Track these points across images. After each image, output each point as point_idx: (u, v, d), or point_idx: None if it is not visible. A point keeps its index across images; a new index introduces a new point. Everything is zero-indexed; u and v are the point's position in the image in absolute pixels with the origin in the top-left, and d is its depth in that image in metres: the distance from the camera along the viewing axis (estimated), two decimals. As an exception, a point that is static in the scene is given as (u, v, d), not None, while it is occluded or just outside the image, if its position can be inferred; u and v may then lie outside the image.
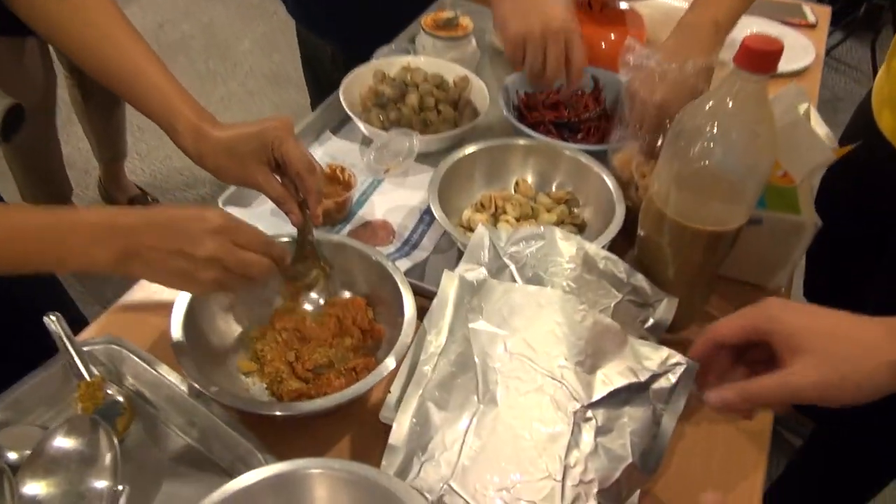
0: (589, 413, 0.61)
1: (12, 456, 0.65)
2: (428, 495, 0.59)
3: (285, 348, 0.75)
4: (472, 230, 0.91)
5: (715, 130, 0.66)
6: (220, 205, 0.93)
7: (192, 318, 0.72)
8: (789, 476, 1.30)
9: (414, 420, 0.63)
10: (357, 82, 1.12)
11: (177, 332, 0.70)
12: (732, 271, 0.89)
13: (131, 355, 0.73)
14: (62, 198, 1.99)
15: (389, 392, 0.71)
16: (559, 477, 0.58)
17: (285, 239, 0.79)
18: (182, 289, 0.68)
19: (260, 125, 0.73)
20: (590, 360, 0.63)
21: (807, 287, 1.41)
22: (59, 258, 0.60)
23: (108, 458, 0.63)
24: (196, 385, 0.66)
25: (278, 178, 0.76)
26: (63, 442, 0.64)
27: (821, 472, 1.24)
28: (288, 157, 0.73)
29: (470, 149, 0.95)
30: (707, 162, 0.67)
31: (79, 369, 0.72)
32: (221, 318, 0.78)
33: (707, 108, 0.67)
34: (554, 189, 0.98)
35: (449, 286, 0.68)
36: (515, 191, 0.97)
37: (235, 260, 0.63)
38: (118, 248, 0.59)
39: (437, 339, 0.66)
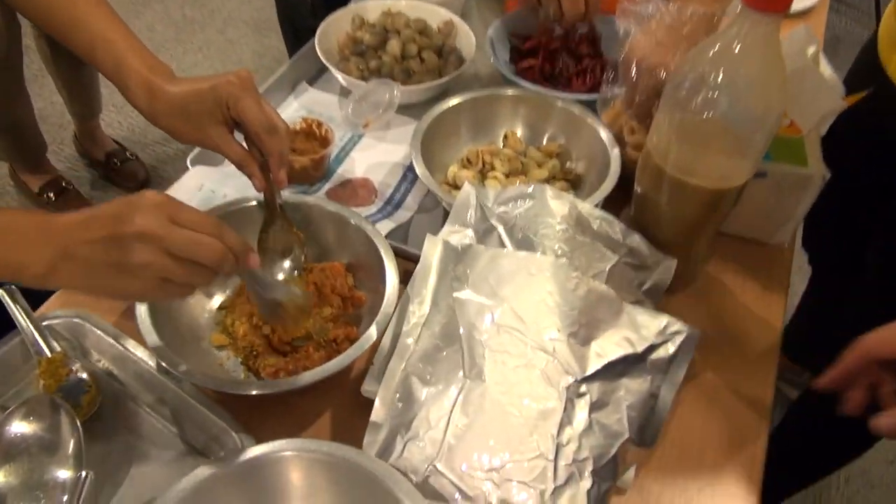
0: (583, 388, 0.57)
1: (-31, 441, 0.61)
2: (412, 476, 0.56)
3: (259, 321, 0.71)
4: (458, 188, 0.85)
5: (720, 78, 0.60)
6: (189, 163, 0.87)
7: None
8: (786, 426, 1.29)
9: (397, 395, 0.59)
10: (334, 29, 1.04)
11: (142, 306, 0.65)
12: (733, 227, 0.84)
13: (95, 329, 0.69)
14: (37, 155, 1.91)
15: (371, 364, 0.67)
16: (551, 456, 0.55)
17: (253, 203, 0.74)
18: (121, 290, 0.53)
19: (214, 80, 0.65)
20: (583, 330, 0.59)
21: (805, 237, 1.36)
22: None
23: (70, 442, 0.59)
24: (164, 364, 0.62)
25: (241, 139, 0.69)
26: (21, 426, 0.60)
27: (818, 421, 1.22)
28: (245, 116, 0.65)
29: (455, 100, 0.89)
30: (711, 113, 0.62)
31: (38, 345, 0.67)
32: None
33: (711, 53, 0.61)
34: (545, 142, 0.92)
35: (432, 252, 0.64)
36: (504, 144, 0.92)
37: (173, 236, 0.50)
38: (53, 249, 0.50)
39: (419, 309, 0.62)
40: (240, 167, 0.69)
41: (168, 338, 0.65)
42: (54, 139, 2.16)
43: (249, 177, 0.69)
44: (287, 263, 0.75)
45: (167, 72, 0.68)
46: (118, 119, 2.27)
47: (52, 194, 1.92)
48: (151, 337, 0.63)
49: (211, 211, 0.73)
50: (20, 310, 0.67)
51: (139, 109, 0.67)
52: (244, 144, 0.69)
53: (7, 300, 0.67)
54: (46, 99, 2.29)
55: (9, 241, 0.51)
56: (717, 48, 0.61)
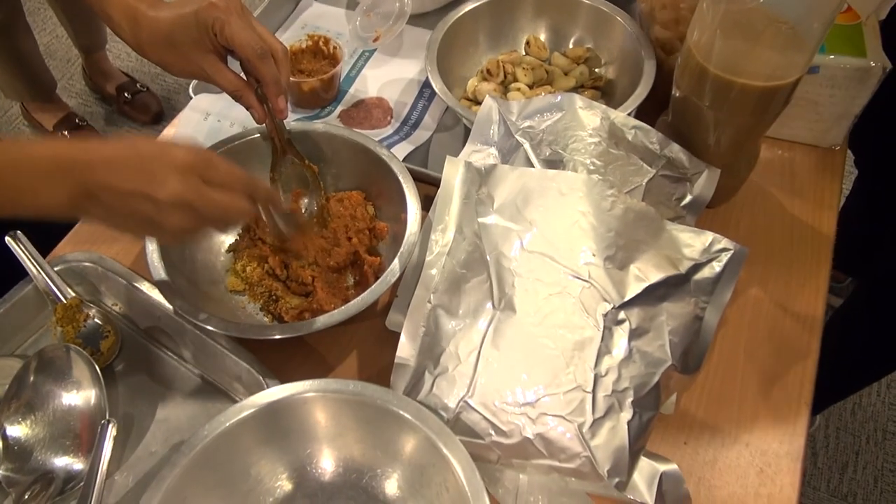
0: (621, 314, 0.53)
1: (-9, 391, 0.60)
2: (443, 413, 0.53)
3: (274, 266, 0.67)
4: (478, 103, 0.80)
5: (773, -42, 0.53)
6: (191, 92, 0.82)
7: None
8: (828, 334, 1.25)
9: (422, 329, 0.56)
10: (336, -67, 0.96)
11: (154, 255, 0.62)
12: (780, 129, 0.78)
13: (110, 273, 0.66)
14: (46, 90, 1.87)
15: (396, 296, 0.64)
16: (589, 388, 0.51)
17: (257, 135, 0.69)
18: (147, 236, 0.56)
19: (196, 3, 0.59)
20: (621, 253, 0.54)
21: (852, 136, 1.27)
22: (8, 200, 0.49)
23: (92, 390, 0.58)
24: (185, 314, 0.59)
25: (238, 66, 0.64)
26: (42, 375, 0.59)
27: (862, 328, 1.18)
28: (233, 42, 0.59)
29: (471, 4, 0.81)
30: (762, 1, 0.54)
31: (53, 291, 0.65)
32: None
33: (762, -71, 0.53)
34: (571, 46, 0.84)
35: (453, 175, 0.59)
36: (526, 52, 0.84)
37: (205, 202, 0.50)
38: (73, 187, 0.48)
39: (442, 238, 0.58)
40: (236, 98, 0.63)
41: (185, 283, 0.62)
42: (63, 74, 2.11)
43: (247, 108, 0.64)
44: (304, 200, 0.70)
45: None
46: (126, 50, 2.20)
47: (65, 132, 1.88)
48: (167, 285, 0.60)
49: (216, 146, 0.68)
50: (29, 256, 0.64)
51: (125, 41, 0.61)
52: (241, 73, 0.63)
53: (14, 246, 0.64)
54: (51, 33, 2.22)
55: (27, 178, 0.48)
56: (769, -78, 0.53)
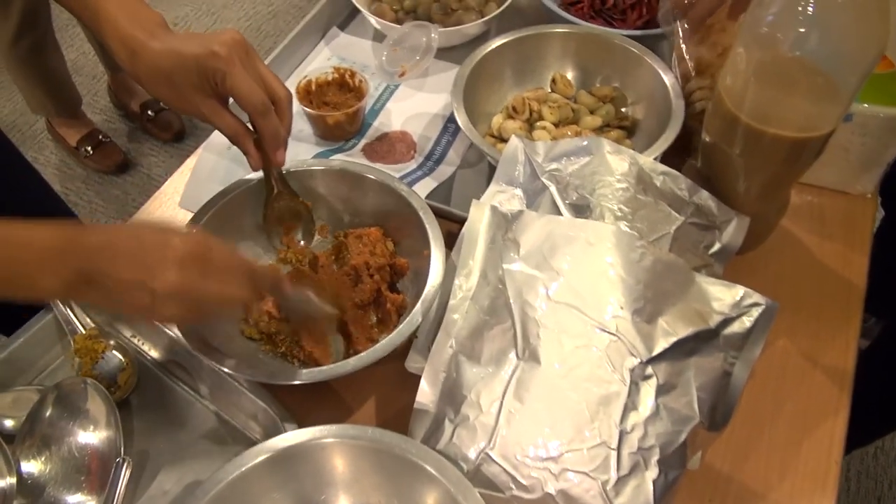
0: (649, 370, 0.52)
1: (8, 423, 0.60)
2: (462, 464, 0.52)
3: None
4: (503, 140, 0.79)
5: (810, 10, 0.52)
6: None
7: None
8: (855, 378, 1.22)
9: (443, 375, 0.55)
10: (365, -35, 0.96)
11: None
12: (811, 176, 0.76)
13: (128, 304, 0.66)
14: (72, 107, 1.89)
15: (416, 337, 0.63)
16: (614, 444, 0.50)
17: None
18: (137, 318, 0.57)
19: (198, 48, 0.56)
20: (650, 306, 0.53)
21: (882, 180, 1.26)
22: (1, 282, 0.48)
23: (107, 425, 0.57)
24: (212, 362, 0.58)
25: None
26: (58, 409, 0.58)
27: (891, 372, 1.15)
28: (234, 94, 0.58)
29: (498, 41, 0.81)
30: (798, 51, 0.53)
31: (72, 322, 0.65)
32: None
33: (800, -20, 0.52)
34: (598, 85, 0.84)
35: (479, 219, 0.58)
36: (552, 89, 0.84)
37: (201, 293, 0.50)
38: (70, 274, 0.48)
39: (466, 282, 0.57)
40: (234, 142, 0.62)
41: (206, 332, 0.61)
42: (88, 91, 2.13)
43: (245, 154, 0.62)
44: (298, 235, 0.71)
45: (154, 22, 0.59)
46: (150, 67, 2.23)
47: (89, 147, 1.91)
48: (191, 335, 0.60)
49: (231, 187, 0.68)
50: (49, 287, 0.64)
51: (123, 68, 0.59)
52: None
53: (35, 277, 0.64)
54: (78, 49, 2.25)
55: (22, 262, 0.47)
56: (807, -26, 0.52)
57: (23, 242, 0.47)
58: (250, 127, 0.62)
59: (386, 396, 0.65)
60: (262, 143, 0.62)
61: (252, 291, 0.53)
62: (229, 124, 0.61)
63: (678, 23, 0.76)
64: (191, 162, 0.81)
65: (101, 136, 1.94)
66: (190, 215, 0.66)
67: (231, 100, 0.61)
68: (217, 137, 0.81)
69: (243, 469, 0.51)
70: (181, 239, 0.50)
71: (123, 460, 0.55)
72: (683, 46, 0.76)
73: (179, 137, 2.02)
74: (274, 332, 0.65)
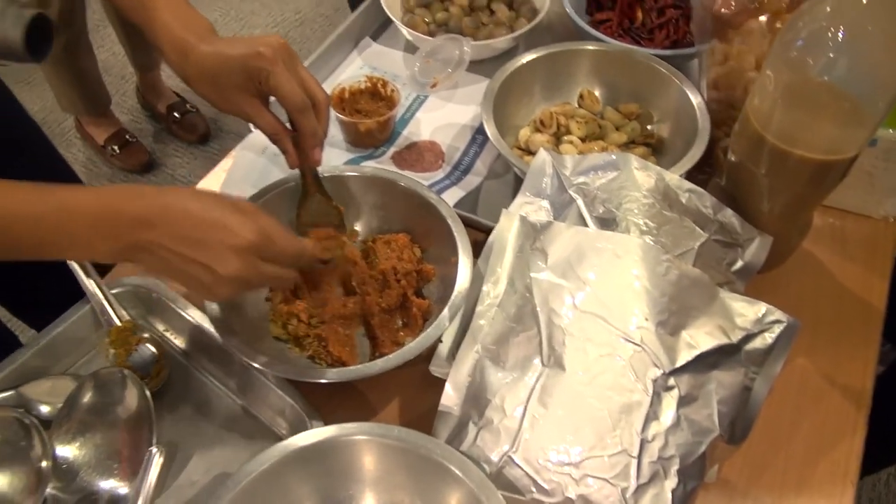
0: (671, 381, 0.53)
1: (44, 409, 0.62)
2: (485, 466, 0.53)
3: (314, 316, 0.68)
4: (530, 152, 0.81)
5: (840, 37, 0.53)
6: (251, 126, 0.84)
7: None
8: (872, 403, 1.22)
9: (468, 379, 0.56)
10: (398, -22, 0.99)
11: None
12: (833, 198, 0.77)
13: (163, 299, 0.68)
14: (101, 106, 1.93)
15: (440, 341, 0.64)
16: (635, 452, 0.51)
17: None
18: (190, 290, 0.56)
19: (246, 49, 0.60)
20: (673, 318, 0.54)
21: None
22: (55, 247, 0.51)
23: (141, 415, 0.59)
24: (244, 357, 0.60)
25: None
26: (94, 397, 0.60)
27: None
28: (277, 93, 0.61)
29: (529, 56, 0.83)
30: (827, 76, 0.55)
31: (108, 314, 0.67)
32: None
33: (830, 8, 0.54)
34: (625, 102, 0.85)
35: (507, 228, 0.60)
36: (580, 104, 0.85)
37: (258, 277, 0.54)
38: (122, 241, 0.50)
39: (494, 289, 0.58)
40: (273, 140, 0.65)
41: (236, 318, 0.63)
42: (117, 91, 2.18)
43: (283, 152, 0.65)
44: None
45: (204, 28, 0.62)
46: (178, 70, 2.27)
47: (116, 147, 1.94)
48: (223, 328, 0.62)
49: (268, 188, 0.71)
50: (90, 277, 0.66)
51: (173, 70, 0.63)
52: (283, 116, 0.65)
53: (77, 269, 0.66)
54: (108, 50, 2.30)
55: (74, 228, 0.49)
56: (837, 2, 0.53)
57: (75, 208, 0.49)
58: (289, 127, 0.65)
59: (409, 399, 0.66)
60: (300, 140, 0.64)
61: (294, 281, 0.58)
62: (269, 122, 0.64)
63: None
64: (225, 163, 0.83)
65: (127, 136, 1.97)
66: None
67: (272, 100, 0.63)
68: (252, 139, 0.83)
69: (274, 461, 0.53)
70: (244, 228, 0.51)
71: (157, 449, 0.57)
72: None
73: (204, 140, 2.05)
74: (302, 336, 0.66)
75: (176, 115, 2.03)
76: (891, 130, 0.70)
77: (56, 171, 1.00)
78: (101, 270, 0.70)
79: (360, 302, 0.69)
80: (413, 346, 0.60)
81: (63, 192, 0.50)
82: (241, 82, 0.61)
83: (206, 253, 0.50)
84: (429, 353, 0.65)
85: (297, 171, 0.68)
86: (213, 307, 0.62)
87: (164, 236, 0.49)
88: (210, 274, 0.51)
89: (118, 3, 0.64)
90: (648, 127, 0.83)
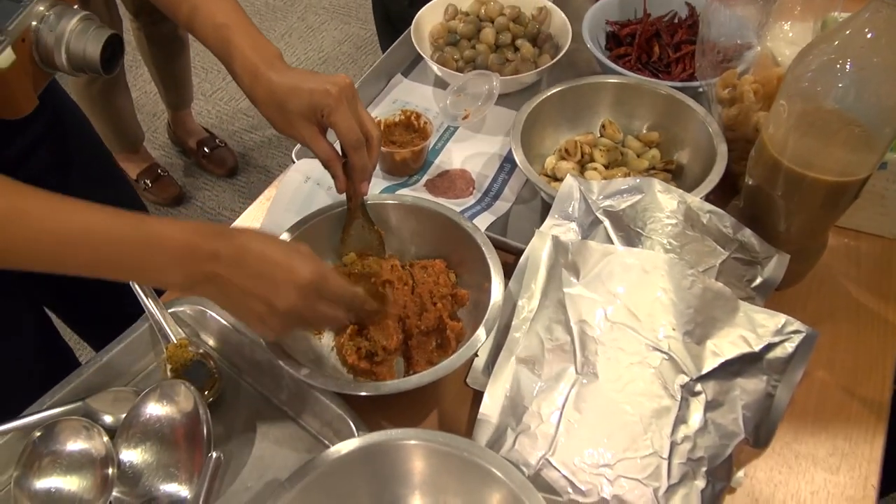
0: (698, 387, 0.56)
1: (108, 419, 0.66)
2: (524, 469, 0.57)
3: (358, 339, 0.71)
4: (556, 179, 0.85)
5: (848, 67, 0.58)
6: (294, 157, 0.90)
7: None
8: None
9: (506, 389, 0.60)
10: (427, 19, 1.05)
11: None
12: (848, 220, 0.81)
13: (217, 317, 0.73)
14: (135, 143, 2.01)
15: (476, 356, 0.68)
16: (665, 454, 0.55)
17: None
18: (248, 325, 0.61)
19: (315, 84, 0.66)
20: (699, 329, 0.58)
21: None
22: (133, 272, 0.56)
23: (200, 424, 0.63)
24: (287, 367, 0.64)
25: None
26: (156, 408, 0.65)
27: None
28: (336, 128, 0.67)
29: (554, 89, 0.88)
30: (837, 104, 0.59)
31: (165, 331, 0.71)
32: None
33: (838, 42, 0.59)
34: (645, 131, 0.90)
35: (540, 247, 0.64)
36: (602, 134, 0.90)
37: (314, 315, 0.59)
38: (196, 272, 0.54)
39: (528, 304, 0.63)
40: (325, 166, 0.70)
41: (284, 340, 0.67)
42: (149, 127, 2.26)
43: (333, 177, 0.71)
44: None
45: (274, 55, 0.68)
46: (206, 107, 2.35)
47: (148, 181, 2.02)
48: (273, 345, 0.65)
49: (311, 216, 0.75)
50: (150, 297, 0.71)
51: (241, 89, 0.69)
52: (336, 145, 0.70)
53: (138, 290, 0.71)
54: (141, 89, 2.40)
55: (156, 257, 0.54)
56: (846, 34, 0.58)
57: (156, 239, 0.54)
58: (341, 155, 0.70)
59: (447, 411, 0.70)
60: (351, 174, 0.70)
61: (346, 323, 0.63)
62: (325, 149, 0.70)
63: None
64: (269, 192, 0.89)
65: (159, 171, 2.05)
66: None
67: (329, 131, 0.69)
68: (295, 168, 0.88)
69: (326, 465, 0.56)
70: (304, 267, 0.56)
71: (216, 455, 0.61)
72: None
73: (232, 173, 2.12)
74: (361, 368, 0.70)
75: (206, 150, 2.11)
76: (898, 153, 0.74)
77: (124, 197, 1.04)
78: (158, 291, 0.75)
79: (402, 325, 0.73)
80: (454, 359, 0.64)
81: (151, 222, 0.54)
82: (305, 112, 0.67)
83: (267, 287, 0.55)
84: (462, 371, 0.69)
85: (341, 198, 0.73)
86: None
87: (231, 271, 0.54)
88: (268, 307, 0.55)
89: (195, 30, 0.69)
90: (668, 154, 0.88)
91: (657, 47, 0.98)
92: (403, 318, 0.71)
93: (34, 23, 0.66)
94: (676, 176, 0.86)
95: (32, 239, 0.52)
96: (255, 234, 0.58)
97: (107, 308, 0.84)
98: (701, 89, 0.87)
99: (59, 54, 0.68)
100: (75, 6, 0.69)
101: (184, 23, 0.70)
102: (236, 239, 0.56)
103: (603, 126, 0.90)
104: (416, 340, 0.72)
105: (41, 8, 0.66)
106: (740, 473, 0.62)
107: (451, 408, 0.70)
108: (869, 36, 0.56)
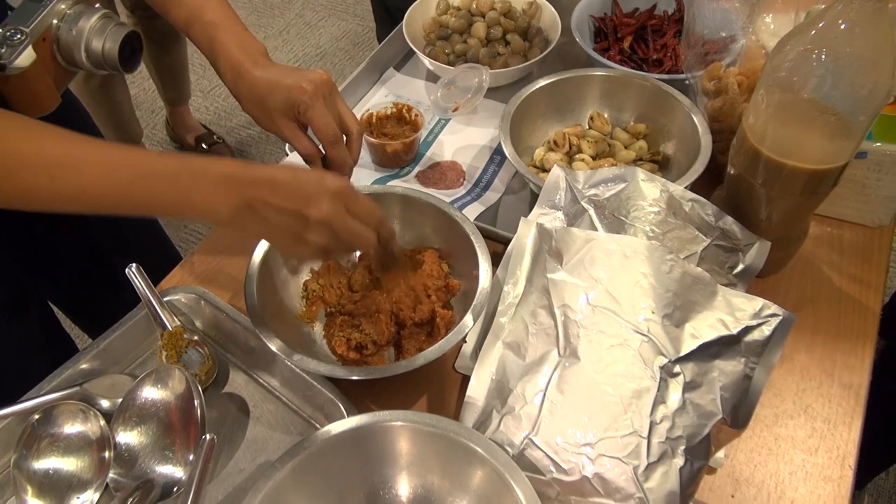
0: (677, 368, 0.58)
1: (105, 403, 0.67)
2: (508, 449, 0.58)
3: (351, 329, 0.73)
4: (545, 170, 0.87)
5: (824, 58, 0.59)
6: (287, 150, 0.91)
7: (265, 279, 0.72)
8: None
9: (492, 373, 0.62)
10: (419, 14, 1.06)
11: (252, 298, 0.69)
12: (830, 208, 0.83)
13: (211, 305, 0.74)
14: (133, 139, 2.03)
15: (464, 342, 0.70)
16: (645, 433, 0.56)
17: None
18: (288, 249, 0.65)
19: (291, 81, 0.67)
20: (678, 312, 0.60)
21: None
22: (184, 204, 0.58)
23: (195, 407, 0.65)
24: (280, 353, 0.66)
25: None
26: (152, 392, 0.66)
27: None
28: (312, 125, 0.68)
29: (541, 82, 0.89)
30: (813, 93, 0.61)
31: (161, 319, 0.73)
32: (292, 280, 0.77)
33: (814, 31, 0.60)
34: (632, 123, 0.92)
35: (526, 234, 0.66)
36: (590, 126, 0.92)
37: (345, 227, 0.60)
38: (237, 199, 0.57)
39: (514, 290, 0.64)
40: (306, 161, 0.72)
41: (274, 324, 0.69)
42: (147, 124, 2.28)
43: None
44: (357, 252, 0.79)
45: (258, 52, 0.70)
46: (205, 104, 2.37)
47: (148, 177, 2.03)
48: (266, 332, 0.67)
49: None
50: (146, 286, 0.73)
51: (226, 85, 0.70)
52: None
53: (136, 277, 0.73)
54: (139, 86, 2.41)
55: (201, 186, 0.57)
56: (820, 26, 0.59)
57: (201, 171, 0.57)
58: (322, 151, 0.72)
59: (436, 395, 0.72)
60: (331, 169, 0.71)
61: (374, 243, 0.64)
62: (305, 145, 0.71)
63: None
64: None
65: (158, 166, 2.06)
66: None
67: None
68: (289, 161, 0.90)
69: (316, 446, 0.58)
70: (332, 178, 0.59)
71: (210, 438, 0.63)
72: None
73: (230, 169, 2.14)
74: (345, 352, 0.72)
75: (204, 146, 2.12)
76: (879, 144, 0.76)
77: None
78: (154, 281, 0.76)
79: (395, 319, 0.74)
80: (436, 348, 0.65)
81: (193, 158, 0.58)
82: (284, 109, 0.68)
83: (301, 200, 0.57)
84: (451, 356, 0.71)
85: None
86: (256, 310, 0.68)
87: (268, 193, 0.57)
88: (302, 222, 0.58)
89: (182, 26, 0.71)
90: (655, 145, 0.89)
91: (629, 41, 0.99)
92: (396, 312, 0.73)
93: (55, 21, 0.68)
94: (663, 166, 0.88)
95: (88, 184, 0.56)
96: (286, 164, 0.61)
97: (106, 298, 0.86)
98: (687, 81, 0.89)
99: (80, 52, 0.69)
100: (96, 4, 0.70)
101: (173, 19, 0.72)
102: (270, 167, 0.59)
103: (591, 118, 0.92)
104: (409, 331, 0.73)
105: (62, 6, 0.68)
106: (721, 454, 0.64)
107: (441, 392, 0.72)
108: (842, 27, 0.57)
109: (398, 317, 0.73)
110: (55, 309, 0.97)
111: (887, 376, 1.15)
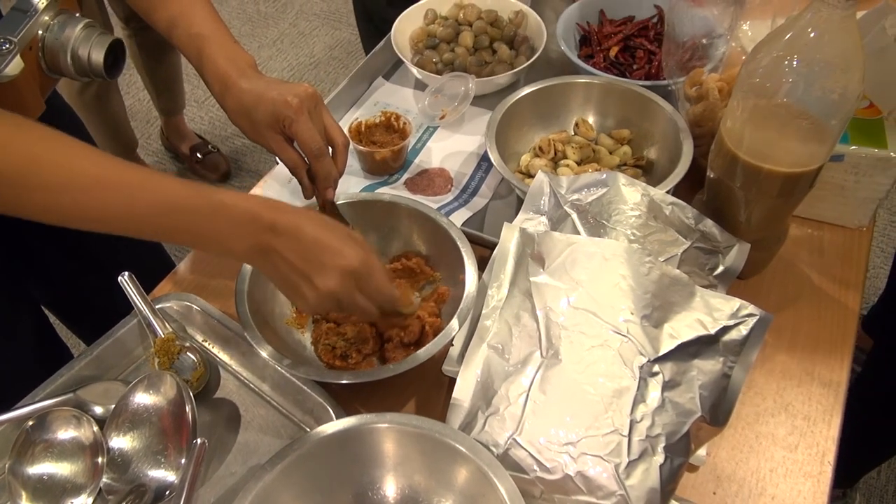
0: (656, 367, 0.59)
1: (98, 410, 0.69)
2: (493, 449, 0.60)
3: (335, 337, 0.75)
4: (531, 176, 0.88)
5: (795, 63, 0.61)
6: (277, 161, 0.92)
7: (255, 286, 0.73)
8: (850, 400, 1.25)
9: (477, 374, 0.63)
10: (406, 24, 1.08)
11: (243, 305, 0.70)
12: (809, 210, 0.84)
13: (203, 312, 0.76)
14: (129, 149, 2.04)
15: (451, 345, 0.71)
16: (625, 432, 0.57)
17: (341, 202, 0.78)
18: (290, 299, 0.67)
19: (276, 94, 0.68)
20: (657, 313, 0.61)
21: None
22: (202, 238, 0.58)
23: (186, 412, 0.66)
24: (270, 359, 0.67)
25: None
26: (144, 398, 0.68)
27: (885, 391, 1.19)
28: (297, 138, 0.69)
29: (527, 90, 0.91)
30: (786, 98, 0.62)
31: (153, 326, 0.74)
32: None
33: (786, 38, 0.62)
34: (616, 128, 0.93)
35: (509, 239, 0.67)
36: (575, 132, 0.94)
37: (351, 303, 0.60)
38: (254, 240, 0.57)
39: (498, 293, 0.66)
40: (292, 173, 0.73)
41: (268, 334, 0.70)
42: (142, 134, 2.29)
43: (299, 183, 0.73)
44: None
45: (246, 63, 0.70)
46: (199, 114, 2.39)
47: (143, 187, 2.04)
48: (257, 338, 0.68)
49: None
50: (138, 294, 0.74)
51: (214, 97, 0.71)
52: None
53: (128, 285, 0.74)
54: (134, 96, 2.43)
55: (221, 222, 0.57)
56: (791, 34, 0.61)
57: (223, 206, 0.56)
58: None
59: (423, 397, 0.73)
60: (315, 182, 0.73)
61: (376, 316, 0.64)
62: (291, 158, 0.72)
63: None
64: (256, 192, 0.92)
65: (153, 176, 2.07)
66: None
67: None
68: (278, 171, 0.92)
69: (304, 448, 0.59)
70: (354, 252, 0.58)
71: (201, 442, 0.64)
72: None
73: (225, 178, 2.15)
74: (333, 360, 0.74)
75: (199, 155, 2.14)
76: (854, 147, 0.78)
77: None
78: (147, 288, 0.77)
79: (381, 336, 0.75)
80: (423, 352, 0.67)
81: (218, 192, 0.57)
82: (269, 121, 0.70)
83: (313, 267, 0.57)
84: (438, 359, 0.72)
85: (313, 201, 0.76)
86: (247, 317, 0.70)
87: (284, 245, 0.57)
88: (309, 286, 0.58)
89: (173, 38, 0.72)
90: (639, 150, 0.91)
91: (615, 50, 1.01)
92: (382, 332, 0.75)
93: (40, 31, 0.69)
94: (647, 171, 0.89)
95: (126, 205, 0.55)
96: (313, 214, 0.60)
97: (100, 306, 0.87)
98: (670, 87, 0.90)
99: (65, 60, 0.71)
100: (77, 14, 0.72)
101: (163, 31, 0.73)
102: (294, 216, 0.58)
103: (576, 124, 0.94)
104: (394, 344, 0.74)
105: (46, 17, 0.69)
106: (703, 452, 0.65)
107: (428, 395, 0.73)
108: (812, 35, 0.59)
109: (383, 336, 0.75)
110: (49, 314, 0.98)
111: (876, 374, 1.17)
